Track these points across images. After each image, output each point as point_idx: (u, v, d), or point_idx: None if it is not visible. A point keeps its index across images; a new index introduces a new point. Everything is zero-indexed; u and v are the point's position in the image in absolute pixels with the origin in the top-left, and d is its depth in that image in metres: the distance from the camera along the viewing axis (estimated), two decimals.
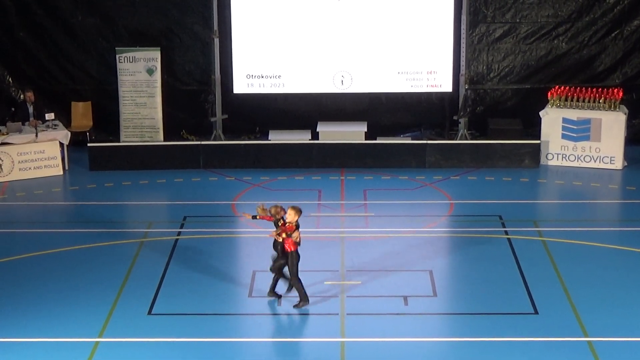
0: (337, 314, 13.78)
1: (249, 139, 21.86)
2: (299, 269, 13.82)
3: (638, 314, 13.66)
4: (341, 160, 20.59)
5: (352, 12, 21.19)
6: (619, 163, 20.30)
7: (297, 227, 13.69)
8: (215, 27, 21.46)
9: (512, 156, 20.49)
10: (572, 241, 16.41)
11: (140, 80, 21.69)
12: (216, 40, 21.52)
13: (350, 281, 14.84)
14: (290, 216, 13.63)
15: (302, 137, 21.35)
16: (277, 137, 21.43)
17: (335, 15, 21.22)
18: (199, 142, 21.04)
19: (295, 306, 13.89)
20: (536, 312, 13.79)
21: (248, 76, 21.58)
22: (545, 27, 21.72)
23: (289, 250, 13.68)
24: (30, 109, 20.85)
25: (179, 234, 17.00)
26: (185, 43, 22.02)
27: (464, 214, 17.90)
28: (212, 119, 21.82)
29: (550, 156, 20.63)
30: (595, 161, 20.38)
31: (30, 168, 20.06)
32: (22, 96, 21.66)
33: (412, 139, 21.54)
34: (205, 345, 12.99)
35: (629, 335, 13.05)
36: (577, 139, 20.44)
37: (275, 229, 13.77)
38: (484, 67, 22.01)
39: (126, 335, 13.23)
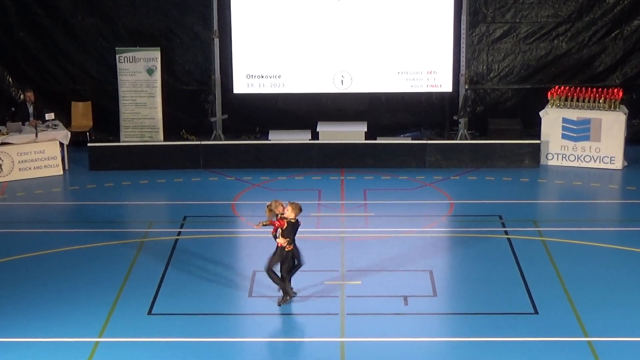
0: (337, 314, 13.78)
1: (249, 139, 21.86)
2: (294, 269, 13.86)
3: (638, 314, 13.66)
4: (341, 160, 20.59)
5: (352, 12, 21.19)
6: (619, 163, 20.30)
7: (296, 224, 13.67)
8: (215, 27, 21.46)
9: (512, 156, 20.49)
10: (572, 241, 16.41)
11: (140, 80, 21.69)
12: (216, 40, 21.52)
13: (350, 281, 14.84)
14: (288, 212, 13.63)
15: (302, 137, 21.35)
16: (277, 137, 21.43)
17: (335, 15, 21.22)
18: (199, 142, 21.05)
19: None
20: (536, 312, 13.79)
21: (248, 76, 21.58)
22: (545, 27, 21.72)
23: (279, 245, 13.69)
24: (30, 109, 20.85)
25: (179, 234, 17.00)
26: (185, 43, 22.02)
27: (464, 214, 17.90)
28: (212, 119, 21.82)
29: (550, 156, 20.63)
30: (595, 161, 20.38)
31: (30, 168, 20.06)
32: (22, 96, 21.66)
33: (412, 139, 21.54)
34: (205, 345, 12.99)
35: (629, 335, 13.04)
36: (577, 139, 20.44)
37: (261, 221, 13.80)
38: (484, 67, 22.01)
39: (126, 335, 13.23)
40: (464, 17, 21.19)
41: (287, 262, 13.82)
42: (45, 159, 20.17)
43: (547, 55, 21.86)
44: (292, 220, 13.66)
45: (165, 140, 21.68)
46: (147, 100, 21.74)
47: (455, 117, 21.80)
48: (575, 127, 20.42)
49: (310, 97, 22.04)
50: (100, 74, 22.17)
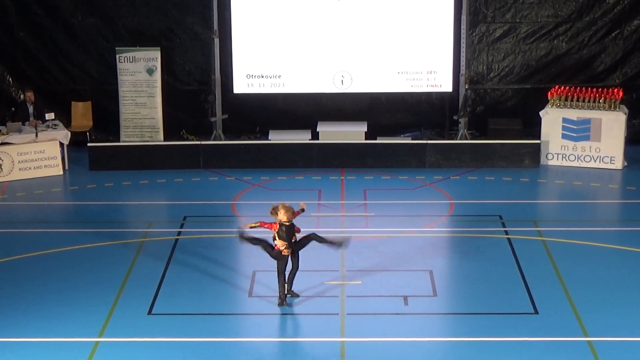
0: (337, 314, 13.78)
1: (249, 139, 21.86)
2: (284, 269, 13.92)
3: (638, 314, 13.66)
4: (341, 160, 20.59)
5: (352, 12, 21.20)
6: (619, 163, 20.30)
7: (290, 227, 13.66)
8: (215, 27, 21.46)
9: (512, 156, 20.49)
10: (572, 241, 16.41)
11: (140, 80, 21.69)
12: (216, 40, 21.52)
13: (350, 281, 14.84)
14: (280, 214, 13.65)
15: (302, 137, 21.35)
16: (277, 137, 21.43)
17: (335, 15, 21.22)
18: (199, 142, 21.05)
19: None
20: (536, 312, 13.79)
21: (248, 76, 21.58)
22: (545, 27, 21.72)
23: (276, 248, 13.74)
24: (30, 109, 20.85)
25: (179, 234, 17.00)
26: (185, 43, 22.02)
27: (464, 214, 17.90)
28: (212, 119, 21.82)
29: (550, 156, 20.63)
30: (595, 161, 20.38)
31: (30, 168, 20.06)
32: (22, 96, 21.67)
33: (412, 139, 21.54)
34: (205, 345, 12.99)
35: (629, 335, 13.05)
36: (577, 138, 20.44)
37: (251, 223, 13.96)
38: (484, 67, 22.01)
39: (126, 335, 13.23)
40: (464, 17, 21.20)
41: (283, 264, 13.86)
42: (45, 159, 20.18)
43: (547, 55, 21.86)
44: (286, 223, 13.67)
45: (165, 140, 21.68)
46: (147, 100, 21.74)
47: (455, 117, 21.80)
48: (575, 127, 20.42)
49: (310, 97, 22.04)
50: (100, 74, 22.17)
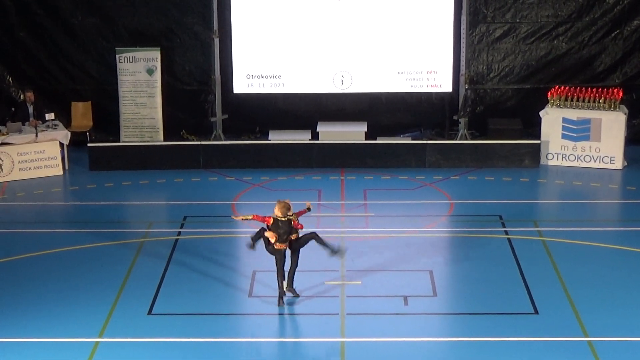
0: (337, 314, 13.79)
1: (249, 139, 21.86)
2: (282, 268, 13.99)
3: (638, 314, 13.67)
4: (341, 160, 20.59)
5: (352, 12, 21.19)
6: (619, 163, 20.30)
7: (284, 222, 13.68)
8: (215, 27, 21.46)
9: (512, 156, 20.49)
10: (572, 241, 16.41)
11: (140, 80, 21.69)
12: (216, 40, 21.52)
13: (350, 281, 14.84)
14: (275, 209, 13.75)
15: (302, 137, 21.35)
16: (277, 137, 21.43)
17: (335, 15, 21.22)
18: (199, 142, 21.05)
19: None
20: (536, 312, 13.79)
21: (248, 76, 21.58)
22: (545, 27, 21.72)
23: (270, 240, 13.85)
24: (30, 109, 20.85)
25: (179, 234, 17.00)
26: (185, 43, 22.02)
27: (464, 214, 17.90)
28: (212, 119, 21.82)
29: (550, 156, 20.63)
30: (595, 161, 20.38)
31: (30, 168, 20.06)
32: (22, 96, 21.66)
33: (412, 139, 21.54)
34: (205, 345, 13.00)
35: (629, 335, 13.05)
36: (577, 139, 20.44)
37: (244, 215, 14.30)
38: (484, 67, 22.01)
39: (126, 335, 13.23)
40: (464, 17, 21.20)
41: (281, 259, 13.87)
42: (45, 159, 20.18)
43: (547, 55, 21.86)
44: (282, 219, 13.70)
45: (165, 140, 21.68)
46: (147, 100, 21.74)
47: (455, 117, 21.80)
48: (575, 127, 20.42)
49: (310, 97, 22.04)
50: (100, 74, 22.16)
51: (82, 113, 22.01)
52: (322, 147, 20.77)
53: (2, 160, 19.87)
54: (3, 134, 20.06)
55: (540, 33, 21.75)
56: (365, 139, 21.21)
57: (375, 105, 22.33)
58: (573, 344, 12.88)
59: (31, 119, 20.66)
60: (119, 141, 21.66)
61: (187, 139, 21.89)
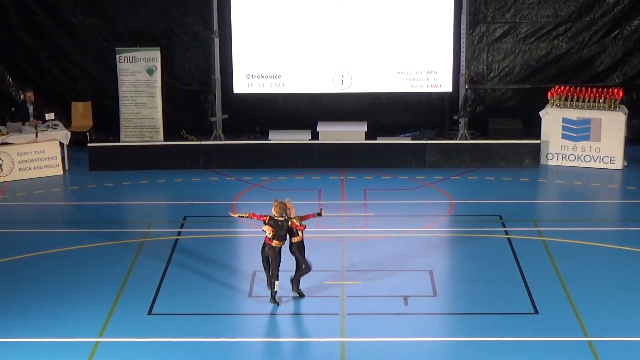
0: (337, 314, 13.79)
1: (249, 139, 21.86)
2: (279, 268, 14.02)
3: (638, 314, 13.67)
4: (341, 160, 20.59)
5: (352, 12, 21.20)
6: (619, 163, 20.30)
7: (279, 222, 13.74)
8: (215, 27, 21.46)
9: (512, 156, 20.49)
10: (572, 241, 16.41)
11: (140, 80, 21.69)
12: (216, 40, 21.52)
13: (350, 281, 14.84)
14: (272, 208, 13.83)
15: (302, 137, 21.35)
16: (277, 137, 21.43)
17: (335, 15, 21.22)
18: (199, 142, 21.05)
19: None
20: (536, 312, 13.79)
21: (248, 76, 21.58)
22: (545, 27, 21.71)
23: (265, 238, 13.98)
24: (30, 109, 20.85)
25: (179, 234, 17.00)
26: (185, 43, 22.02)
27: (464, 214, 17.90)
28: (212, 119, 21.82)
29: (550, 156, 20.63)
30: (595, 161, 20.38)
31: (30, 168, 20.06)
32: (22, 96, 21.66)
33: (412, 139, 21.54)
34: (205, 345, 13.00)
35: (629, 335, 13.05)
36: (577, 138, 20.44)
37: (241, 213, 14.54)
38: (484, 67, 22.01)
39: (126, 335, 13.23)
40: (464, 17, 21.20)
41: (275, 258, 13.88)
42: (45, 159, 20.18)
43: (547, 55, 21.86)
44: (279, 218, 13.75)
45: (165, 140, 21.68)
46: (147, 100, 21.74)
47: (455, 117, 21.80)
48: (575, 127, 20.42)
49: (310, 97, 22.04)
50: (100, 74, 22.16)
51: (82, 113, 22.01)
52: (322, 147, 20.77)
53: (2, 160, 19.87)
54: (3, 134, 20.06)
55: (540, 33, 21.75)
56: (365, 139, 21.21)
57: (375, 105, 22.33)
58: (573, 344, 12.88)
59: (31, 119, 20.66)
60: (119, 141, 21.66)
61: (187, 139, 21.89)
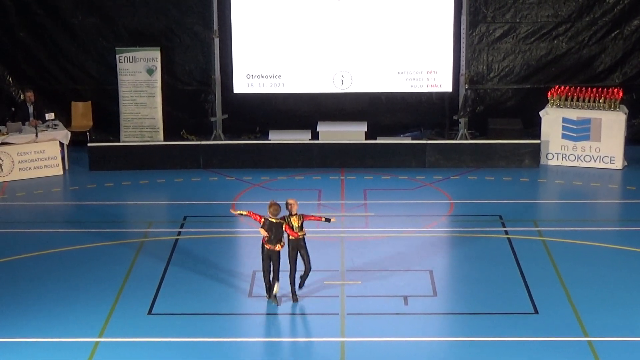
0: (337, 314, 13.79)
1: (249, 139, 21.86)
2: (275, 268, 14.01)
3: (638, 314, 13.67)
4: (341, 160, 20.59)
5: (352, 12, 21.19)
6: (619, 163, 20.30)
7: (272, 224, 13.73)
8: (215, 27, 21.46)
9: (512, 156, 20.49)
10: (572, 241, 16.41)
11: (140, 80, 21.69)
12: (216, 40, 21.52)
13: (350, 281, 14.84)
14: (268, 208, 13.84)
15: (302, 137, 21.35)
16: (277, 137, 21.43)
17: (335, 15, 21.22)
18: (199, 142, 21.05)
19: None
20: (536, 312, 13.79)
21: (248, 76, 21.58)
22: (545, 27, 21.71)
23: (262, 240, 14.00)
24: (30, 109, 20.85)
25: (179, 234, 17.00)
26: (185, 43, 22.02)
27: (464, 214, 17.90)
28: (212, 119, 21.82)
29: (550, 156, 20.63)
30: (595, 161, 20.38)
31: (30, 168, 20.06)
32: (22, 96, 21.66)
33: (412, 139, 21.54)
34: (205, 345, 13.00)
35: (629, 335, 13.05)
36: (577, 138, 20.44)
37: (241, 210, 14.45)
38: (484, 67, 22.01)
39: (126, 335, 13.23)
40: (464, 17, 21.20)
41: (274, 261, 13.89)
42: (45, 159, 20.18)
43: (547, 55, 21.86)
44: (273, 220, 13.77)
45: (165, 140, 21.68)
46: (147, 100, 21.74)
47: (455, 117, 21.80)
48: (575, 127, 20.42)
49: (310, 97, 22.04)
50: (100, 74, 22.16)
51: (82, 113, 22.01)
52: (322, 147, 20.77)
53: (2, 160, 19.87)
54: (3, 134, 20.06)
55: (540, 33, 21.75)
56: (365, 139, 21.21)
57: (375, 105, 22.33)
58: (573, 344, 12.88)
59: (31, 118, 20.66)
60: (119, 141, 21.66)
61: (187, 139, 21.89)
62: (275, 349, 13.09)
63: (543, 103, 20.79)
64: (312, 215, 14.29)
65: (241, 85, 21.67)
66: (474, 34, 21.74)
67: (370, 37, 21.32)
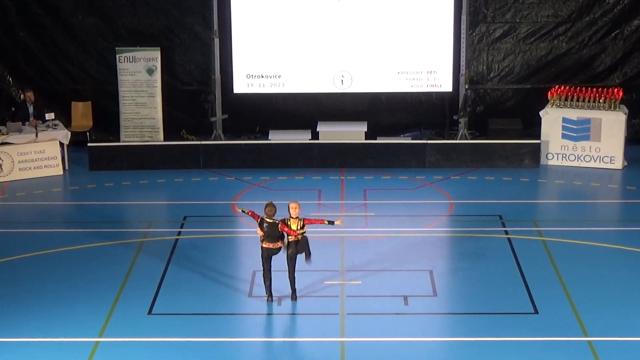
0: (337, 314, 13.78)
1: (249, 139, 21.86)
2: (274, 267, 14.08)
3: (638, 314, 13.66)
4: (341, 160, 20.59)
5: (352, 12, 21.20)
6: (619, 163, 20.30)
7: (266, 223, 13.77)
8: (215, 27, 21.47)
9: (512, 156, 20.49)
10: (572, 241, 16.41)
11: (140, 80, 21.69)
12: (216, 40, 21.53)
13: (350, 281, 14.84)
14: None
15: (302, 137, 21.35)
16: (277, 137, 21.43)
17: (335, 15, 21.22)
18: (199, 142, 21.05)
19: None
20: (536, 312, 13.79)
21: (248, 76, 21.58)
22: (545, 27, 21.72)
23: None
24: (30, 109, 20.85)
25: (179, 233, 17.00)
26: (185, 43, 22.02)
27: (464, 214, 17.90)
28: (212, 119, 21.82)
29: (550, 156, 20.63)
30: (595, 161, 20.38)
31: (30, 168, 20.06)
32: (22, 96, 21.66)
33: (412, 139, 21.54)
34: (205, 345, 13.00)
35: (629, 335, 13.05)
36: (577, 138, 20.44)
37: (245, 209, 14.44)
38: (484, 67, 22.01)
39: (126, 335, 13.23)
40: (464, 17, 21.20)
41: (266, 260, 13.96)
42: (45, 159, 20.18)
43: (547, 55, 21.86)
44: (268, 221, 13.80)
45: (165, 140, 21.68)
46: (147, 100, 21.74)
47: (455, 117, 21.80)
48: (575, 127, 20.42)
49: (310, 97, 22.04)
50: (100, 74, 22.16)
51: (82, 113, 22.01)
52: (322, 147, 20.77)
53: (2, 160, 19.87)
54: (3, 134, 20.07)
55: (540, 33, 21.75)
56: (365, 139, 21.21)
57: (375, 105, 22.33)
58: (573, 344, 12.88)
59: (31, 118, 20.66)
60: (119, 141, 21.66)
61: (187, 139, 21.90)
62: (275, 349, 13.09)
63: (543, 103, 20.79)
64: (315, 219, 14.27)
65: (241, 85, 21.67)
66: (474, 34, 21.74)
67: (370, 37, 21.32)
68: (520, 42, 21.83)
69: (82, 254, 16.06)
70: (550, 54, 21.86)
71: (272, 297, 14.07)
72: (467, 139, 21.40)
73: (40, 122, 20.57)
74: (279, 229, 13.81)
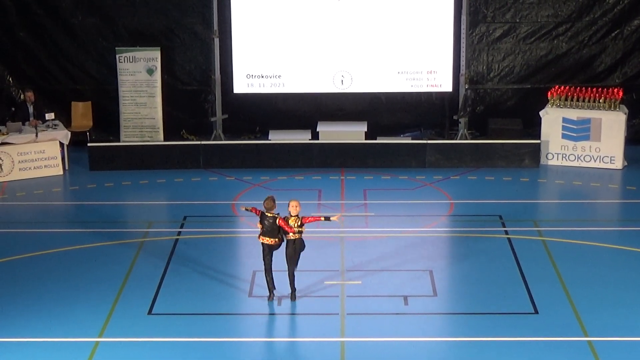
0: (337, 314, 13.78)
1: (249, 139, 21.86)
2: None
3: (638, 314, 13.67)
4: (341, 160, 20.60)
5: (352, 12, 21.20)
6: (619, 163, 20.30)
7: (265, 217, 13.83)
8: (215, 27, 21.47)
9: (512, 156, 20.49)
10: (572, 241, 16.41)
11: (140, 80, 21.69)
12: (216, 40, 21.53)
13: (350, 281, 14.84)
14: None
15: (302, 137, 21.35)
16: (277, 137, 21.43)
17: (335, 15, 21.22)
18: (199, 142, 21.05)
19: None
20: (536, 312, 13.79)
21: (248, 76, 21.59)
22: (545, 27, 21.72)
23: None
24: (30, 109, 20.85)
25: (179, 233, 17.00)
26: (185, 43, 22.02)
27: (464, 214, 17.90)
28: (212, 119, 21.82)
29: (550, 156, 20.63)
30: (595, 161, 20.38)
31: (30, 168, 20.07)
32: (22, 96, 21.66)
33: (412, 139, 21.54)
34: (205, 345, 12.99)
35: (629, 335, 13.05)
36: (577, 138, 20.44)
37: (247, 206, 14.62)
38: (484, 67, 22.01)
39: (126, 335, 13.23)
40: (464, 17, 21.20)
41: (267, 256, 13.98)
42: (45, 159, 20.18)
43: (547, 55, 21.86)
44: (267, 214, 13.86)
45: (165, 140, 21.68)
46: (147, 100, 21.74)
47: (455, 117, 21.80)
48: (575, 127, 20.42)
49: (310, 97, 22.05)
50: (100, 74, 22.17)
51: (82, 113, 22.01)
52: (322, 147, 20.77)
53: (2, 160, 19.88)
54: (3, 134, 20.07)
55: (540, 33, 21.75)
56: (365, 139, 21.21)
57: (375, 105, 22.33)
58: (573, 343, 12.88)
59: (31, 118, 20.67)
60: (119, 141, 21.66)
61: (187, 139, 21.90)
62: (275, 349, 13.09)
63: (543, 103, 20.79)
64: (311, 217, 14.27)
65: (241, 85, 21.67)
66: (474, 34, 21.74)
67: (370, 37, 21.32)
68: (520, 42, 21.84)
69: (82, 254, 16.06)
70: (550, 54, 21.86)
71: (273, 294, 14.06)
72: (467, 139, 21.40)
73: (40, 122, 20.57)
74: (277, 224, 13.81)
